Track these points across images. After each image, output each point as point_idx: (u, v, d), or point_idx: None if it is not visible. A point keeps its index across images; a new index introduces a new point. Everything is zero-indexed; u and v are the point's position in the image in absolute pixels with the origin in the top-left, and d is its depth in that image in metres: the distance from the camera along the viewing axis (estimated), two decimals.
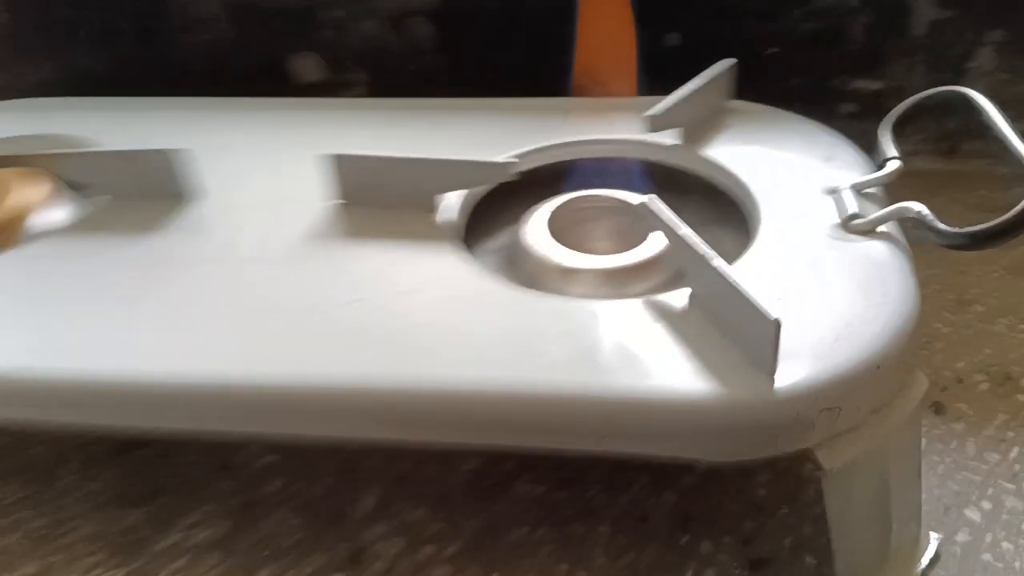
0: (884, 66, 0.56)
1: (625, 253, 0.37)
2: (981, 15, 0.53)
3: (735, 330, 0.30)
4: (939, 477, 0.38)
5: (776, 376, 0.29)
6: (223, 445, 0.42)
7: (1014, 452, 0.39)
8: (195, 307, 0.35)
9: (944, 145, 0.58)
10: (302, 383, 0.31)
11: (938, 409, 0.42)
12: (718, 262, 0.31)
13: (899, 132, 0.55)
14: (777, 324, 0.28)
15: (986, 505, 0.37)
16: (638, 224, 0.39)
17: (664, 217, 0.34)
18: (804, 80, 0.57)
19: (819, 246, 0.35)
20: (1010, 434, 0.40)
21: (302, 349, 0.32)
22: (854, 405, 0.30)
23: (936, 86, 0.55)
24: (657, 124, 0.41)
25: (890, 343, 0.30)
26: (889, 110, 0.56)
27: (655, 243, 0.37)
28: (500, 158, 0.39)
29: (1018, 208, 0.31)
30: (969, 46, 0.55)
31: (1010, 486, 0.38)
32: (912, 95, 0.54)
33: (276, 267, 0.37)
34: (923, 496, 0.37)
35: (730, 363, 0.30)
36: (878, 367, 0.30)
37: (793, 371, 0.29)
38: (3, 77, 0.57)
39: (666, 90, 0.47)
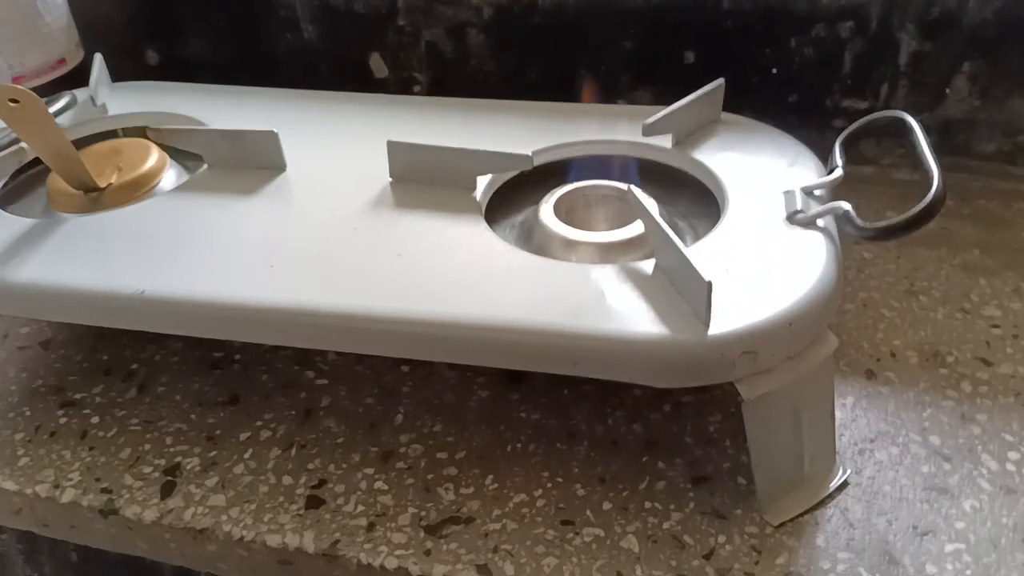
0: (871, 88, 0.64)
1: (613, 231, 0.47)
2: (957, 48, 0.61)
3: (684, 290, 0.40)
4: (860, 427, 0.47)
5: (709, 325, 0.38)
6: (290, 366, 0.53)
7: (927, 412, 0.48)
8: (281, 253, 0.46)
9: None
10: (359, 312, 0.42)
11: (869, 376, 0.50)
12: (674, 238, 0.40)
13: (877, 146, 0.64)
14: (709, 285, 0.37)
15: (893, 450, 0.46)
16: (630, 209, 0.49)
17: (639, 203, 0.43)
18: (801, 97, 0.66)
19: (766, 233, 0.44)
20: (926, 398, 0.49)
21: (361, 286, 0.43)
22: (769, 351, 0.39)
23: (916, 107, 0.64)
24: (650, 130, 0.51)
25: (802, 307, 0.40)
26: None
27: (638, 224, 0.47)
28: (523, 151, 0.49)
29: (916, 209, 0.41)
30: (946, 74, 0.63)
31: (917, 438, 0.47)
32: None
33: (343, 226, 0.47)
34: (843, 440, 0.47)
35: (678, 315, 0.39)
36: (790, 324, 0.39)
37: (723, 322, 0.39)
38: (124, 61, 0.68)
39: (681, 98, 0.55)
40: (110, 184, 0.52)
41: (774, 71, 0.65)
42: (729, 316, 0.39)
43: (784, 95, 0.66)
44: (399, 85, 0.72)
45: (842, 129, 0.66)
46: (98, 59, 0.61)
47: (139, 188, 0.53)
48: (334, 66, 0.72)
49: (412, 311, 0.41)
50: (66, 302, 0.45)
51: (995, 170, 0.65)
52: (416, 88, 0.72)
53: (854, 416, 0.48)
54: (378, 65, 0.71)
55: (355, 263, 0.45)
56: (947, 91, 0.63)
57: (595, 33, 0.67)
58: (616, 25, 0.66)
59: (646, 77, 0.68)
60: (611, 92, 0.69)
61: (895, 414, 0.48)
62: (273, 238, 0.47)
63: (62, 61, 0.64)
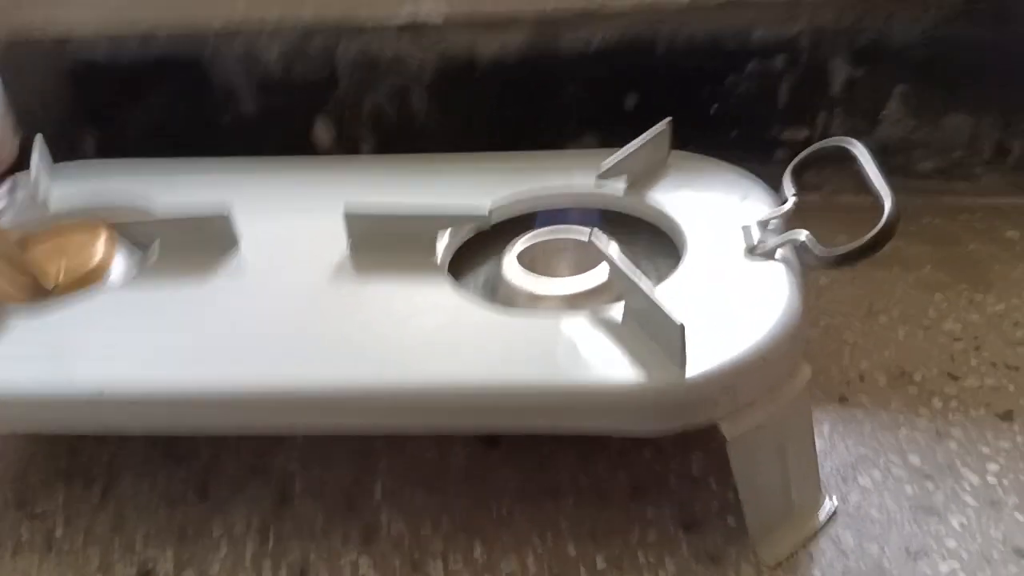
0: (809, 117, 0.66)
1: (578, 277, 0.46)
2: (888, 72, 0.63)
3: (657, 334, 0.40)
4: (839, 453, 0.48)
5: (686, 367, 0.38)
6: (259, 450, 0.52)
7: (902, 433, 0.48)
8: (241, 332, 0.44)
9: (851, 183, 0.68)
10: (329, 387, 0.41)
11: (842, 400, 0.51)
12: (642, 282, 0.40)
13: (818, 174, 0.66)
14: (682, 328, 0.37)
15: (876, 474, 0.46)
16: (593, 256, 0.49)
17: (603, 248, 0.43)
18: (742, 132, 0.67)
19: (728, 269, 0.45)
20: (900, 418, 0.49)
21: (327, 360, 0.42)
22: (747, 387, 0.39)
23: (853, 133, 0.65)
24: (604, 176, 0.51)
25: (774, 341, 0.40)
26: None
27: (603, 271, 0.47)
28: (481, 208, 0.49)
29: (872, 233, 0.41)
30: (880, 98, 0.64)
31: (897, 459, 0.47)
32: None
33: (304, 300, 0.46)
34: (825, 468, 0.47)
35: (654, 360, 0.39)
36: (764, 359, 0.39)
37: (699, 363, 0.39)
38: (62, 141, 0.66)
39: (626, 140, 0.56)
40: (57, 281, 0.50)
41: (713, 108, 0.67)
42: (704, 356, 0.39)
43: (725, 131, 0.67)
44: (345, 151, 0.72)
45: (785, 159, 0.68)
46: (39, 142, 0.59)
47: (88, 280, 0.51)
48: (279, 136, 0.72)
49: (379, 381, 0.41)
50: (19, 410, 0.44)
51: (935, 187, 0.67)
52: (364, 150, 0.72)
53: (832, 443, 0.48)
54: (322, 132, 0.71)
55: (320, 336, 0.44)
56: (882, 114, 0.65)
57: (536, 83, 0.67)
58: (557, 74, 0.67)
59: (590, 123, 0.69)
60: (557, 139, 0.69)
61: (872, 437, 0.48)
62: (234, 320, 0.46)
63: None
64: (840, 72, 0.64)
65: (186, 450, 0.52)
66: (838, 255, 0.42)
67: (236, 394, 0.42)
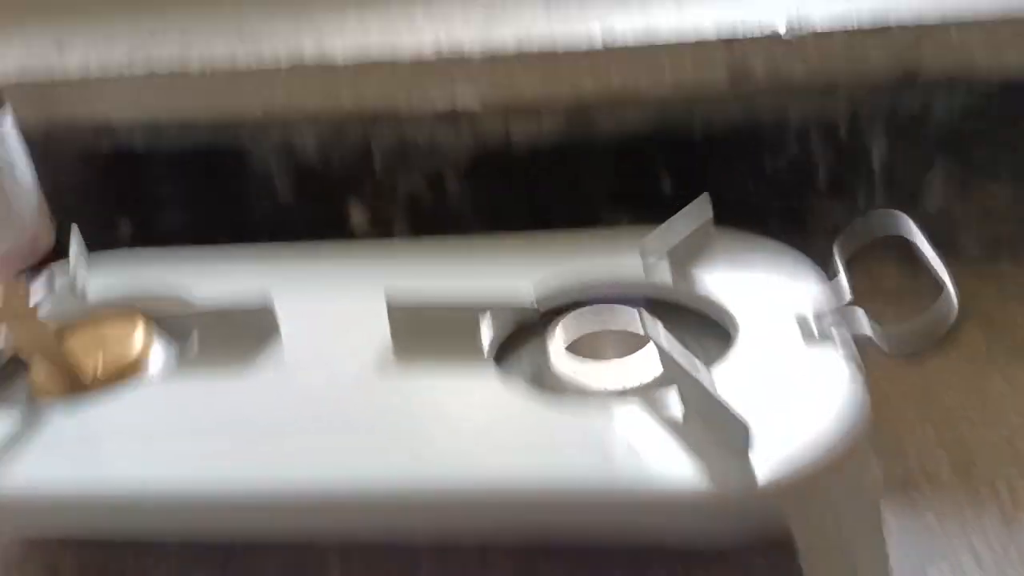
0: (848, 195, 0.65)
1: (628, 361, 0.45)
2: (928, 147, 0.63)
3: (718, 431, 0.38)
4: (908, 552, 0.45)
5: (753, 471, 0.37)
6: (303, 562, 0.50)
7: (972, 527, 0.46)
8: (282, 430, 0.43)
9: (878, 260, 0.66)
10: (374, 490, 0.39)
11: (905, 494, 0.49)
12: (700, 375, 0.39)
13: (863, 252, 0.64)
14: (747, 428, 0.36)
15: (945, 568, 0.44)
16: (638, 338, 0.48)
17: (654, 335, 0.42)
18: (780, 210, 0.66)
19: (784, 356, 0.43)
20: (967, 512, 0.47)
21: (374, 459, 0.41)
22: (821, 497, 0.37)
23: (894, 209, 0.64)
24: (648, 253, 0.50)
25: (846, 440, 0.38)
26: None
27: (652, 352, 0.45)
28: (527, 299, 0.48)
29: (941, 327, 0.40)
30: (920, 174, 0.64)
31: (968, 557, 0.45)
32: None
33: (348, 393, 0.45)
34: (896, 570, 0.44)
35: (717, 460, 0.38)
36: (836, 460, 0.38)
37: (766, 465, 0.37)
38: (96, 230, 0.66)
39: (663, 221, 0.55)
40: (95, 375, 0.49)
41: (751, 191, 0.66)
42: (772, 458, 0.37)
43: (763, 209, 0.67)
44: (379, 236, 0.71)
45: (825, 238, 0.68)
46: (75, 234, 0.59)
47: (126, 374, 0.50)
48: (314, 222, 0.72)
49: (428, 484, 0.39)
50: (53, 512, 0.42)
51: (981, 265, 0.66)
52: (399, 234, 0.71)
53: (900, 541, 0.46)
54: (356, 217, 0.71)
55: (368, 431, 0.43)
56: (923, 192, 0.64)
57: (571, 166, 0.67)
58: (591, 159, 0.66)
59: (625, 204, 0.68)
60: (592, 221, 0.69)
61: (940, 534, 0.46)
62: (276, 416, 0.45)
63: (34, 242, 0.63)
64: (879, 148, 0.63)
65: (225, 556, 0.50)
66: (908, 348, 0.40)
67: (279, 498, 0.40)
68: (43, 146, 0.67)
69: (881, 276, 0.66)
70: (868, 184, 0.64)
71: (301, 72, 0.64)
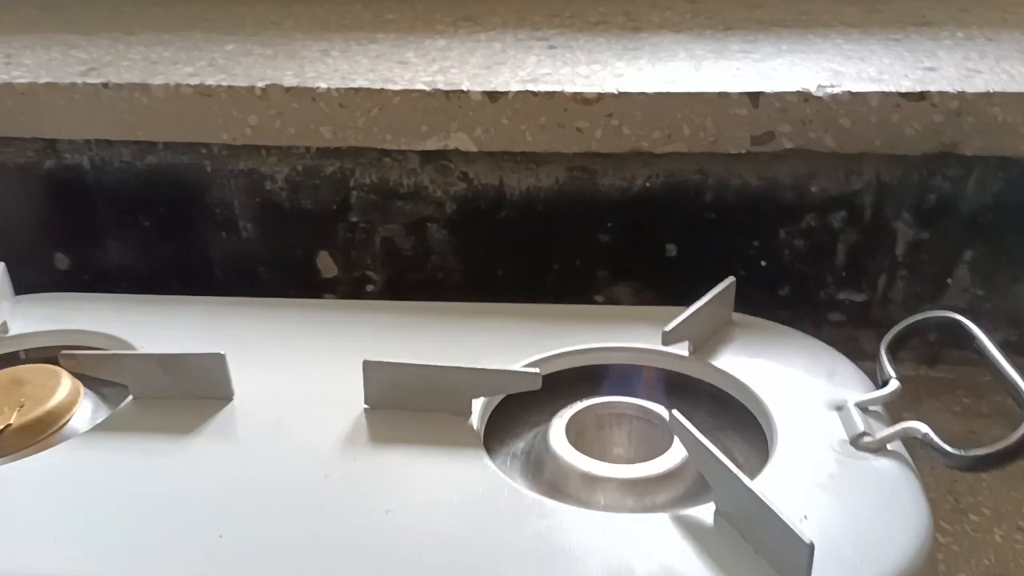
0: (868, 280, 0.60)
1: (648, 463, 0.39)
2: (956, 236, 0.58)
3: (765, 548, 0.32)
4: None
5: None
6: None
7: None
8: (233, 516, 0.35)
9: (927, 353, 0.61)
10: None
11: None
12: (748, 482, 0.32)
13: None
14: (811, 548, 0.29)
15: None
16: (655, 430, 0.41)
17: (691, 433, 0.35)
18: (793, 291, 0.61)
19: (833, 463, 0.37)
20: None
21: (343, 563, 0.33)
22: None
23: (917, 299, 0.59)
24: (670, 338, 0.44)
25: (913, 562, 0.32)
26: (874, 320, 0.60)
27: (676, 453, 0.39)
28: (528, 368, 0.42)
29: (1020, 433, 0.34)
30: (947, 264, 0.59)
31: None
32: (896, 307, 0.58)
33: (312, 473, 0.38)
34: None
35: None
36: None
37: None
38: (28, 268, 0.59)
39: (664, 293, 0.49)
40: (8, 425, 0.41)
41: (762, 263, 0.61)
42: None
43: (775, 288, 0.61)
44: (350, 286, 0.64)
45: (838, 323, 0.63)
46: (0, 268, 0.51)
47: (46, 429, 0.42)
48: (275, 268, 0.64)
49: None
50: None
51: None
52: (369, 288, 0.64)
53: None
54: (326, 264, 0.64)
55: (331, 527, 0.35)
56: (948, 281, 0.60)
57: (569, 226, 0.61)
58: (591, 217, 0.60)
59: (624, 271, 0.62)
60: (587, 287, 0.63)
61: None
62: (221, 494, 0.37)
63: None
64: (905, 233, 0.58)
65: None
66: (979, 457, 0.34)
67: None
68: None
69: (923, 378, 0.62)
70: (891, 269, 0.59)
71: (277, 97, 0.57)
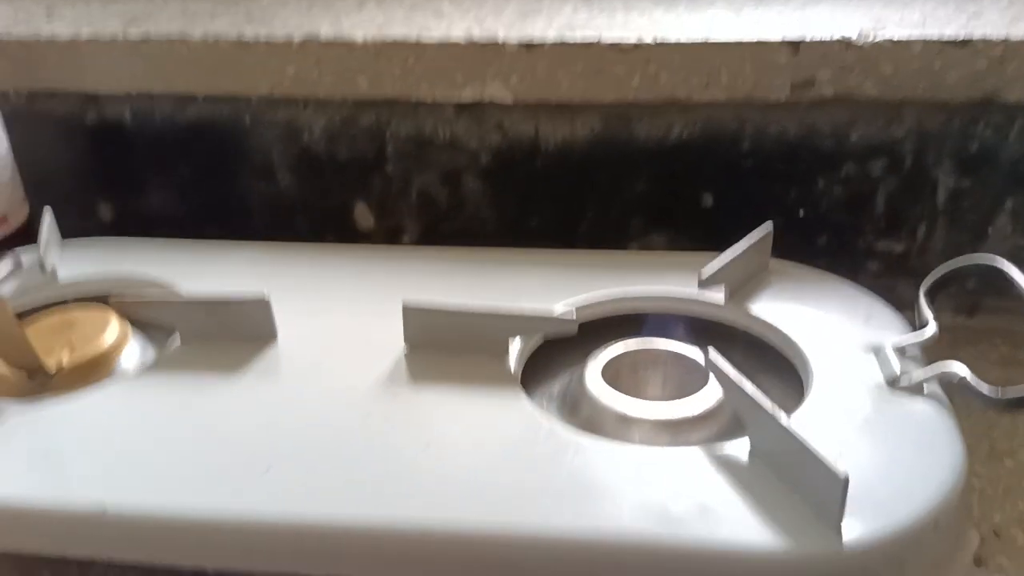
0: (908, 229, 0.60)
1: (682, 401, 0.39)
2: (997, 185, 0.57)
3: (799, 483, 0.32)
4: None
5: (843, 532, 0.31)
6: None
7: None
8: (278, 450, 0.37)
9: (965, 303, 0.61)
10: (384, 526, 0.33)
11: (978, 562, 0.43)
12: (783, 419, 0.33)
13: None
14: (846, 480, 0.30)
15: None
16: (689, 374, 0.42)
17: (728, 372, 0.36)
18: (831, 240, 0.61)
19: (869, 403, 0.37)
20: None
21: (384, 492, 0.34)
22: (916, 562, 0.31)
23: (956, 249, 0.59)
24: (707, 283, 0.44)
25: (946, 500, 0.32)
26: (913, 270, 0.60)
27: (711, 394, 0.39)
28: (565, 313, 0.42)
29: None
30: (987, 213, 0.58)
31: None
32: (934, 257, 0.57)
33: (354, 411, 0.39)
34: None
35: (796, 517, 0.31)
36: (936, 524, 0.32)
37: (858, 527, 0.31)
38: (74, 216, 0.60)
39: (699, 243, 0.49)
40: (60, 367, 0.43)
41: (800, 213, 0.60)
42: (862, 518, 0.31)
43: (812, 238, 0.61)
44: (385, 236, 0.65)
45: (877, 273, 0.62)
46: (48, 215, 0.53)
47: (96, 369, 0.43)
48: (312, 217, 0.65)
49: (437, 525, 0.33)
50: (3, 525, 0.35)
51: None
52: (405, 238, 0.65)
53: None
54: (363, 215, 0.64)
55: (373, 461, 0.36)
56: (989, 230, 0.59)
57: (604, 176, 0.61)
58: (627, 167, 0.60)
59: (659, 221, 0.62)
60: (622, 237, 0.63)
61: None
62: (267, 431, 0.38)
63: (3, 219, 0.56)
64: (945, 181, 0.58)
65: None
66: (1015, 398, 0.34)
67: (264, 526, 0.33)
68: (22, 116, 0.61)
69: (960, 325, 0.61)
70: (930, 218, 0.59)
71: (314, 49, 0.58)
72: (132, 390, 0.41)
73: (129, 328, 0.46)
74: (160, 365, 0.43)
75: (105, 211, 0.68)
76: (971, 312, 0.61)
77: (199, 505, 0.34)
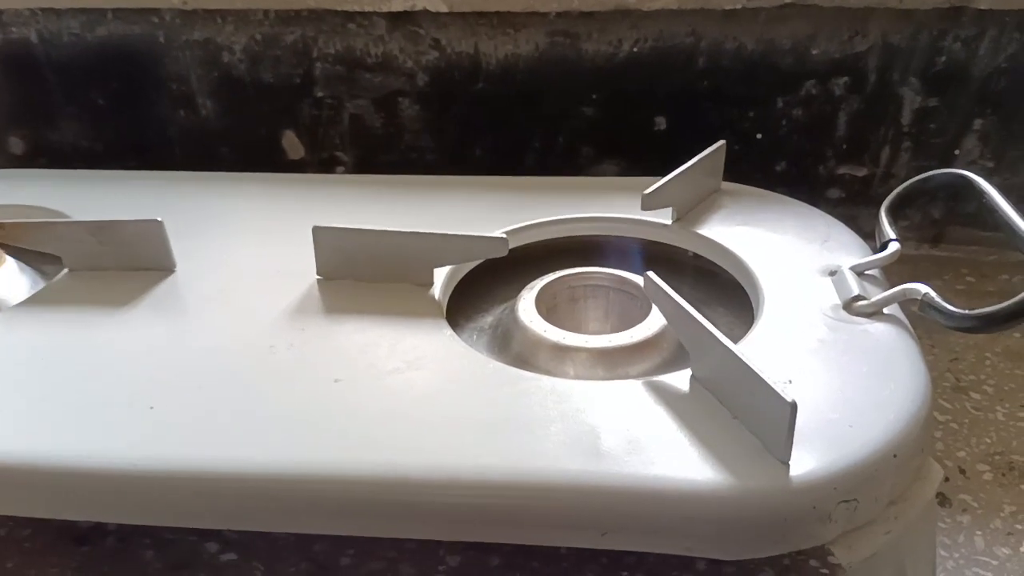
0: (871, 152, 0.56)
1: (621, 333, 0.35)
2: (966, 104, 0.54)
3: (745, 414, 0.29)
4: (949, 573, 0.36)
5: (791, 464, 0.27)
6: (184, 537, 0.39)
7: (1018, 538, 0.38)
8: (167, 388, 0.33)
9: (930, 232, 0.58)
10: (279, 473, 0.29)
11: (943, 501, 0.40)
12: (728, 343, 0.29)
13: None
14: (793, 408, 0.26)
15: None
16: (631, 304, 0.38)
17: (666, 294, 0.32)
18: (790, 165, 0.57)
19: (824, 328, 0.34)
20: (1018, 527, 0.39)
21: (283, 433, 0.30)
22: (872, 496, 0.28)
23: (921, 173, 0.55)
24: (650, 203, 0.40)
25: (905, 430, 0.29)
26: (875, 197, 0.56)
27: (652, 324, 0.36)
28: (496, 233, 0.38)
29: None
30: (954, 134, 0.55)
31: (1017, 571, 0.36)
32: (898, 183, 0.54)
33: (256, 344, 0.35)
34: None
35: (740, 450, 0.28)
36: (895, 455, 0.28)
37: (808, 459, 0.27)
38: None
39: (652, 171, 0.46)
40: None
41: (758, 136, 0.56)
42: (812, 450, 0.28)
43: (771, 163, 0.57)
44: (319, 167, 0.60)
45: (838, 199, 0.59)
46: None
47: None
48: (238, 147, 0.60)
49: (352, 467, 0.29)
50: None
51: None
52: (340, 169, 0.60)
53: (939, 560, 0.37)
54: (292, 144, 0.60)
55: (273, 398, 0.32)
56: (956, 152, 0.56)
57: (550, 99, 0.57)
58: (574, 89, 0.56)
59: (610, 147, 0.58)
60: (571, 166, 0.59)
61: (987, 552, 0.37)
62: (155, 367, 0.34)
63: None
64: (911, 100, 0.54)
65: (91, 528, 0.40)
66: (982, 315, 0.31)
67: (137, 472, 0.29)
68: None
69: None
70: (895, 141, 0.55)
71: None
72: (11, 323, 0.37)
73: (5, 255, 0.41)
74: (44, 297, 0.39)
75: (15, 144, 0.63)
76: (936, 240, 0.58)
77: (78, 449, 0.30)
